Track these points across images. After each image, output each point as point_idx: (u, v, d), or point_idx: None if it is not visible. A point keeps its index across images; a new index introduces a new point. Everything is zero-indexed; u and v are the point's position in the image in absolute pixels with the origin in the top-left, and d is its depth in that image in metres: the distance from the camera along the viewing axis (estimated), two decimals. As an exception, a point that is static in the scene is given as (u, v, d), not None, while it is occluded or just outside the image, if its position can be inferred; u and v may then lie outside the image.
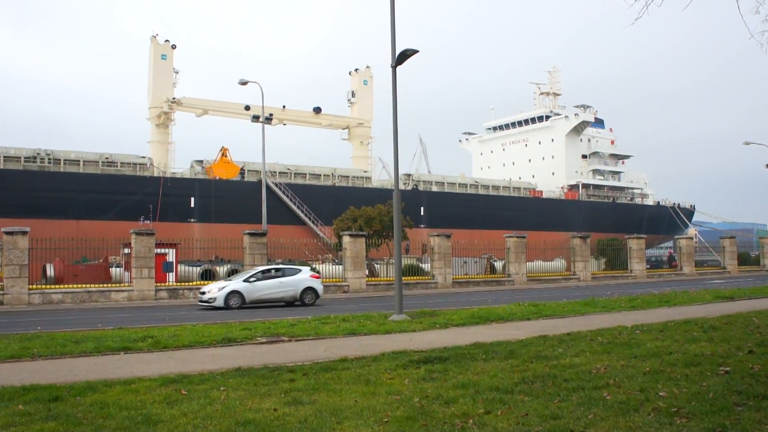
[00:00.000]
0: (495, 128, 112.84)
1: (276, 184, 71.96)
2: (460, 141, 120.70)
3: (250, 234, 37.60)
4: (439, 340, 15.84)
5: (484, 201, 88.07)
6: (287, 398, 9.61)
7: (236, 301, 29.34)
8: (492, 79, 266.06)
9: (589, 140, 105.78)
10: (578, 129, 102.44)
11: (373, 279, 42.61)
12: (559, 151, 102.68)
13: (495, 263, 52.46)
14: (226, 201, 69.17)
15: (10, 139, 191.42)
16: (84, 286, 34.43)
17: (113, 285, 36.39)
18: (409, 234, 50.92)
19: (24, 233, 32.49)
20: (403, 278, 24.37)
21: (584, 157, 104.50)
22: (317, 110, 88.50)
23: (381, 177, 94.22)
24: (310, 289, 31.59)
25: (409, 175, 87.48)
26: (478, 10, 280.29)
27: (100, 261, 42.54)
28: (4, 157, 64.84)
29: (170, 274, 37.93)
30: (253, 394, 10.02)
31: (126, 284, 35.77)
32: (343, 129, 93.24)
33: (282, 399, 9.59)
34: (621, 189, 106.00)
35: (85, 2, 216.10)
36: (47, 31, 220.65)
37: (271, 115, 67.72)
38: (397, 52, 23.06)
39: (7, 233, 32.42)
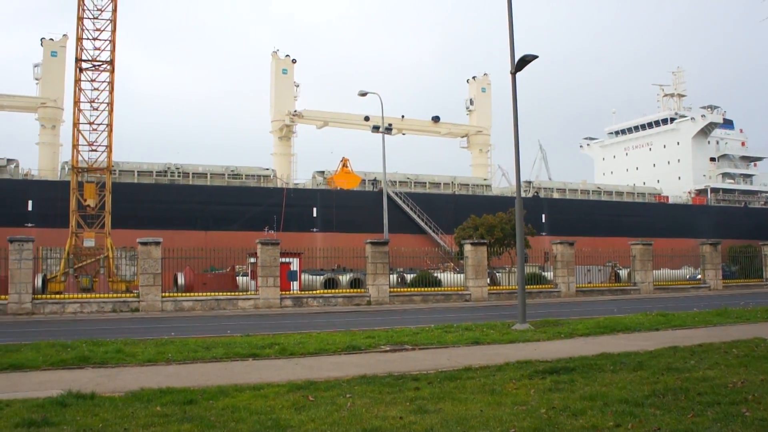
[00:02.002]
0: (617, 132, 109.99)
1: (396, 194, 72.55)
2: (580, 146, 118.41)
3: (372, 243, 37.96)
4: (564, 350, 15.56)
5: (608, 207, 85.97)
6: (413, 406, 9.65)
7: None
8: (612, 82, 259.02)
9: (717, 142, 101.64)
10: (705, 131, 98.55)
11: (494, 288, 42.23)
12: (686, 154, 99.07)
13: (620, 271, 51.03)
14: (348, 211, 70.26)
15: (142, 154, 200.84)
16: (212, 294, 35.58)
17: (240, 293, 37.46)
18: (531, 242, 50.28)
19: (157, 244, 33.97)
20: (525, 287, 24.04)
21: (713, 160, 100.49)
22: (436, 119, 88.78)
23: (501, 184, 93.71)
24: None
25: (529, 182, 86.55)
26: (596, 11, 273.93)
27: (227, 270, 43.93)
28: (138, 172, 68.46)
29: (294, 282, 38.76)
30: (379, 401, 10.11)
31: (252, 292, 36.72)
32: (462, 137, 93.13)
33: (407, 407, 9.63)
34: (754, 193, 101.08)
35: (208, 19, 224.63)
36: (174, 48, 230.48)
37: (390, 125, 68.41)
38: (517, 58, 22.86)
39: (142, 243, 34.00)
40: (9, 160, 68.05)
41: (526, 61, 22.71)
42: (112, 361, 14.71)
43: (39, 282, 35.50)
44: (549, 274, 45.67)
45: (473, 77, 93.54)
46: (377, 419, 8.86)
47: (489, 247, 43.49)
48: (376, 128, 53.12)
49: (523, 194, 40.23)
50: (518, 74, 23.15)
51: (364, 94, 48.73)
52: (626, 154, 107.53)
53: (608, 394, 10.04)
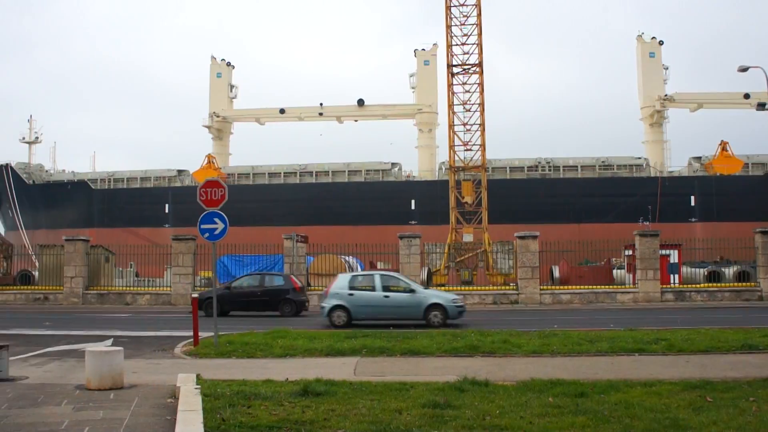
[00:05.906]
0: None
1: (785, 176, 66.21)
2: None
3: (763, 232, 34.84)
4: None
5: None
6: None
7: None
8: None
9: None
10: None
11: None
12: None
13: None
14: (729, 198, 65.46)
15: (512, 149, 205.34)
16: (591, 287, 35.42)
17: (618, 286, 36.82)
18: None
19: (534, 237, 34.74)
20: None
21: None
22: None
23: None
24: None
25: None
26: None
27: (602, 263, 43.31)
28: (510, 167, 70.62)
29: (674, 275, 37.13)
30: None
31: (630, 286, 35.88)
32: None
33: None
34: None
35: (564, 8, 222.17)
36: (532, 41, 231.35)
37: (777, 101, 62.45)
38: None
39: (520, 237, 35.03)
40: (393, 164, 74.75)
41: None
42: (499, 351, 15.36)
43: (424, 275, 38.13)
44: None
45: None
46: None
47: None
48: (761, 105, 48.74)
49: None
50: None
51: (744, 69, 44.57)
52: None
53: None
